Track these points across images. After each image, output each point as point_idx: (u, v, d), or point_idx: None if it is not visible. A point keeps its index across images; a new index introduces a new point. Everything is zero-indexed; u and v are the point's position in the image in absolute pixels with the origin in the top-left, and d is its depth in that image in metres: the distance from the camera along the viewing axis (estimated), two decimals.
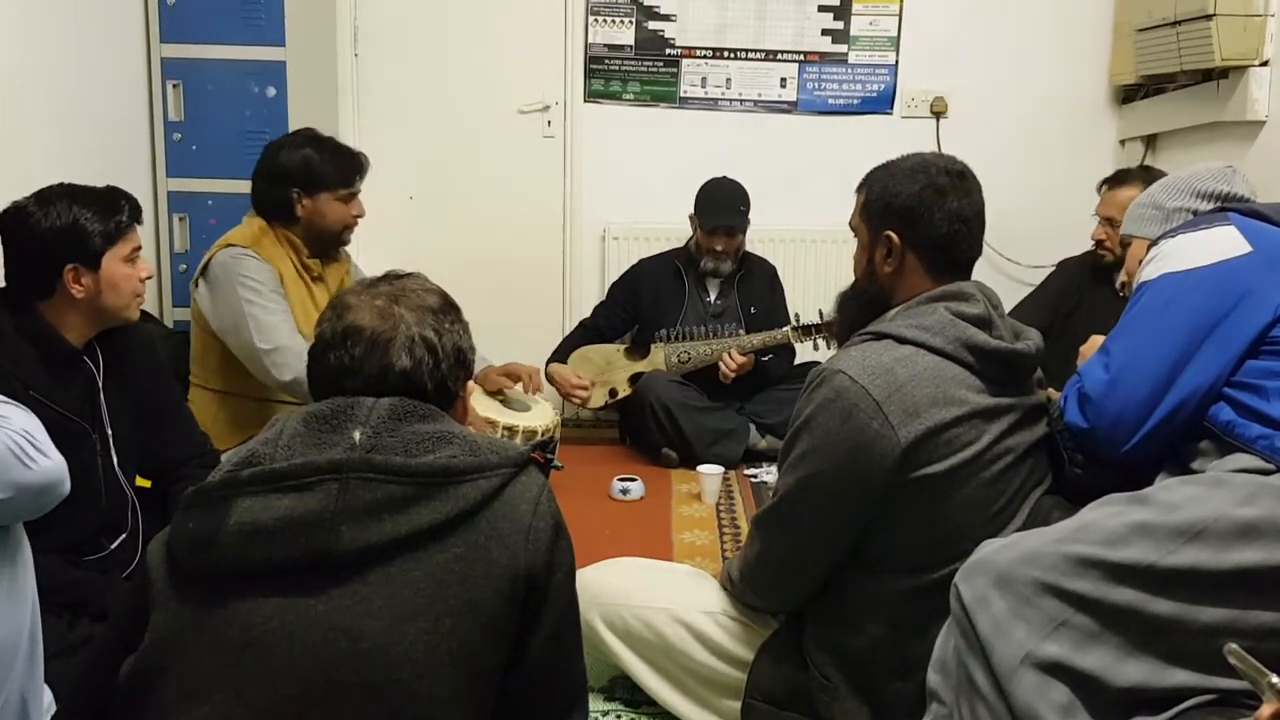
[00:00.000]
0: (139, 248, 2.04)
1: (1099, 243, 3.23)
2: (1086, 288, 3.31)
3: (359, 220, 2.85)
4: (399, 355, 1.27)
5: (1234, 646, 1.10)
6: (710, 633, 1.85)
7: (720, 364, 3.55)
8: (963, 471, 1.57)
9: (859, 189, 1.77)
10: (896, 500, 1.58)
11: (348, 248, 2.93)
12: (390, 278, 1.36)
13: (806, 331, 3.50)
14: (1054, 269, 3.50)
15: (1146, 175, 3.18)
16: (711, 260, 3.69)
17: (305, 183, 2.71)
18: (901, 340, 1.61)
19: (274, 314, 2.61)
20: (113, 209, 1.97)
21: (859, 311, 1.75)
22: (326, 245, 2.83)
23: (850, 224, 1.79)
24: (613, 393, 3.71)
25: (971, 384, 1.60)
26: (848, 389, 1.57)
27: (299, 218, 2.74)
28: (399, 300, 1.30)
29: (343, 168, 2.76)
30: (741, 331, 3.63)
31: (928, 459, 1.55)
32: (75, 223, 1.92)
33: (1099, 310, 3.20)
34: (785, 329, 3.54)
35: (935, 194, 1.67)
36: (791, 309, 3.85)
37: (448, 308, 1.35)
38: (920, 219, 1.67)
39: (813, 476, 1.62)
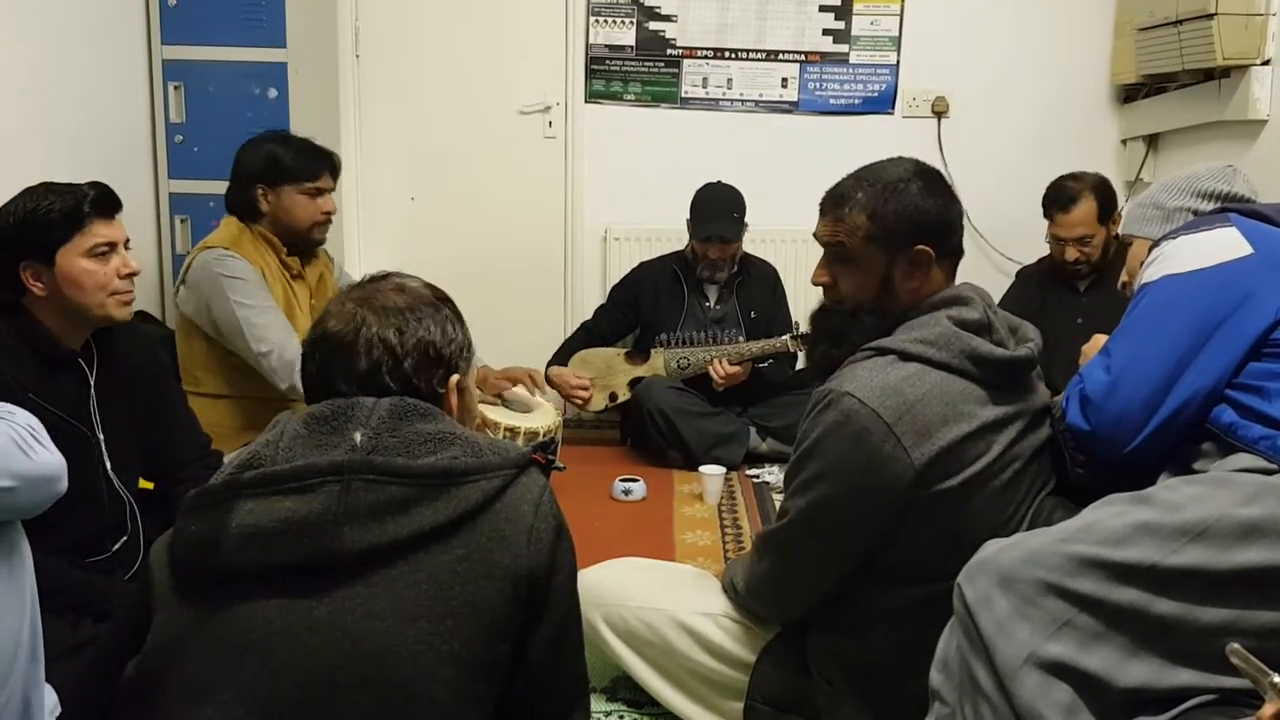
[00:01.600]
0: (111, 242, 1.95)
1: (1073, 261, 3.21)
2: (1047, 291, 3.32)
3: (329, 217, 2.82)
4: (359, 358, 1.26)
5: (1236, 646, 1.10)
6: (712, 634, 1.84)
7: (710, 371, 3.54)
8: (974, 483, 1.56)
9: (849, 212, 1.67)
10: (908, 516, 1.56)
11: (335, 245, 2.93)
12: (367, 280, 1.36)
13: (806, 339, 3.48)
14: (1013, 280, 3.51)
15: (1085, 182, 3.19)
16: (707, 269, 3.68)
17: (268, 176, 2.72)
18: (906, 356, 1.59)
19: (265, 314, 2.61)
20: (71, 200, 1.90)
21: (872, 331, 1.68)
22: (297, 243, 2.81)
23: (844, 250, 1.68)
24: (612, 396, 3.71)
25: (978, 397, 1.58)
26: (857, 412, 1.54)
27: (264, 212, 2.74)
28: (365, 303, 1.30)
29: (306, 161, 2.75)
30: (741, 338, 3.62)
31: (941, 476, 1.54)
32: (28, 217, 1.87)
33: (1063, 311, 3.21)
34: (784, 337, 3.52)
35: (950, 201, 1.68)
36: (794, 310, 3.85)
37: (419, 304, 1.31)
38: (951, 229, 1.68)
39: (823, 500, 1.60)
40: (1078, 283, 3.28)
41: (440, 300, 1.35)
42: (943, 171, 1.76)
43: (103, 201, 1.95)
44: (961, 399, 1.57)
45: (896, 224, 1.65)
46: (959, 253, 1.72)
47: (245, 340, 2.58)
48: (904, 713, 1.62)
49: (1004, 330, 1.68)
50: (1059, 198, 3.21)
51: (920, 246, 1.64)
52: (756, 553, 1.79)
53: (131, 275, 1.99)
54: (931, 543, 1.59)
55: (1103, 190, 3.18)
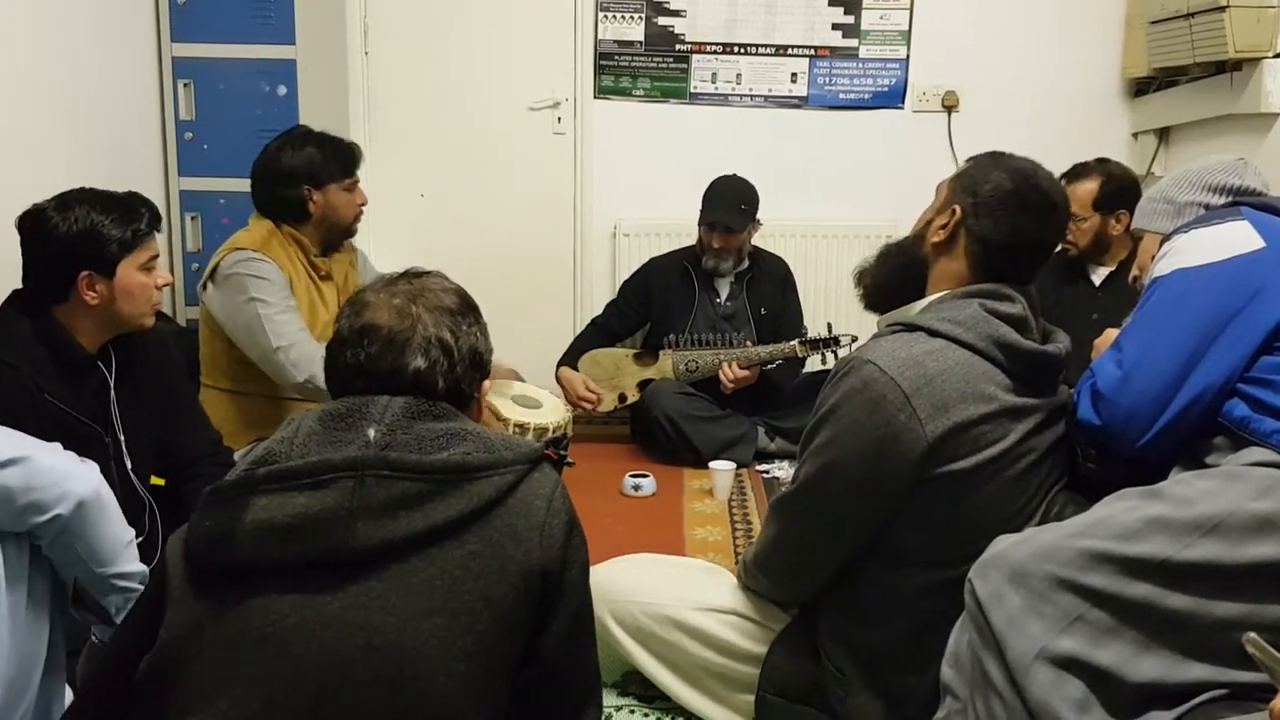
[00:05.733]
0: (157, 255, 2.04)
1: None
2: (1062, 285, 3.30)
3: (364, 208, 2.90)
4: (414, 355, 1.27)
5: (1252, 635, 1.09)
6: (721, 630, 1.84)
7: (720, 375, 3.54)
8: (988, 469, 1.56)
9: (969, 159, 1.77)
10: (919, 494, 1.56)
11: (355, 238, 2.96)
12: (410, 276, 1.37)
13: (814, 345, 3.48)
14: None
15: (1103, 169, 3.18)
16: (712, 258, 3.67)
17: (313, 178, 2.75)
18: (933, 333, 1.59)
19: (285, 313, 2.62)
20: (131, 217, 1.97)
21: (893, 270, 1.75)
22: (338, 237, 2.87)
23: (939, 183, 1.77)
24: (621, 398, 3.71)
25: (1001, 381, 1.58)
26: (876, 379, 1.55)
27: (311, 214, 2.77)
28: (417, 300, 1.31)
29: (343, 158, 2.81)
30: (749, 342, 3.61)
31: (953, 455, 1.54)
32: (92, 229, 1.92)
33: (1079, 306, 3.19)
34: (793, 342, 3.50)
35: (1018, 203, 1.66)
36: (805, 305, 3.84)
37: (466, 309, 1.35)
38: (991, 214, 1.66)
39: (835, 465, 1.60)
40: (1093, 276, 3.27)
41: (474, 305, 1.38)
42: (952, 166, 1.76)
43: (156, 216, 2.04)
44: (983, 380, 1.57)
45: (966, 178, 1.71)
46: (991, 249, 1.67)
47: (263, 336, 2.59)
48: (913, 703, 1.63)
49: (1038, 333, 1.68)
50: (1070, 170, 3.22)
51: (958, 205, 1.68)
52: (767, 521, 1.79)
53: (164, 286, 2.07)
54: (939, 525, 1.59)
55: (1115, 182, 3.16)
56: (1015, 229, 1.65)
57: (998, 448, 1.56)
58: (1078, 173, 3.20)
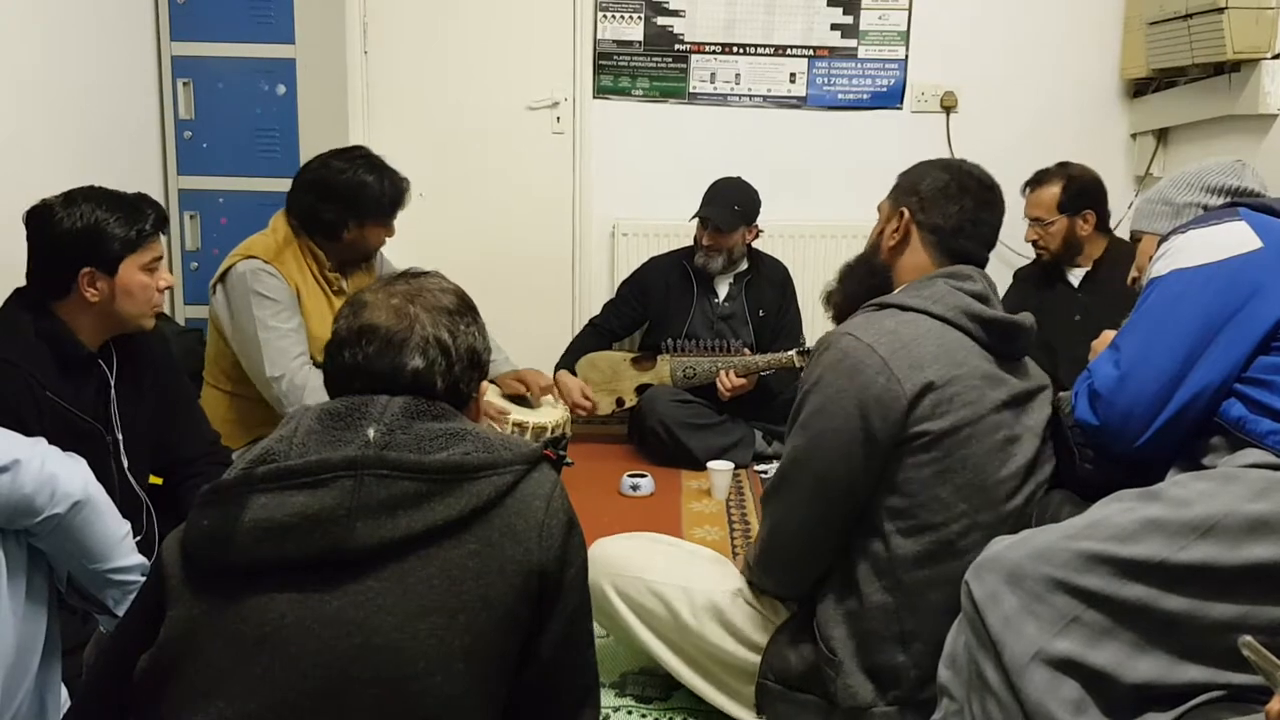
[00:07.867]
0: (160, 257, 2.03)
1: (1034, 243, 3.28)
2: (1044, 290, 3.32)
3: (389, 239, 2.89)
4: (412, 355, 1.27)
5: (1248, 638, 1.10)
6: (724, 618, 1.85)
7: (717, 383, 3.53)
8: (965, 430, 1.62)
9: (898, 176, 1.87)
10: (900, 458, 1.62)
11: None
12: (408, 276, 1.37)
13: (811, 356, 3.47)
14: (1010, 282, 3.50)
15: (1064, 171, 3.22)
16: (702, 255, 3.66)
17: (359, 211, 2.71)
18: (904, 308, 1.69)
19: (286, 337, 2.61)
20: (136, 216, 1.97)
21: (859, 282, 1.85)
22: (355, 261, 2.85)
23: (879, 204, 1.88)
24: (619, 402, 3.70)
25: (972, 349, 1.67)
26: (855, 348, 1.64)
27: (342, 239, 2.74)
28: (415, 300, 1.31)
29: (395, 200, 2.77)
30: (747, 349, 3.60)
31: (930, 413, 1.60)
32: (96, 226, 1.92)
33: (1060, 308, 3.21)
34: (791, 353, 3.48)
35: (958, 189, 1.78)
36: (804, 307, 3.84)
37: (464, 309, 1.35)
38: (934, 205, 1.78)
39: (821, 435, 1.65)
40: (1070, 278, 3.28)
41: (472, 305, 1.38)
42: None
43: (162, 218, 2.04)
44: (956, 346, 1.66)
45: (904, 184, 1.84)
46: (944, 234, 1.78)
47: (259, 361, 2.59)
48: (902, 684, 1.65)
49: (1001, 310, 1.75)
50: (1034, 176, 3.28)
51: (904, 208, 1.80)
52: (761, 516, 1.81)
53: (166, 288, 2.06)
54: (919, 491, 1.63)
55: (1077, 183, 3.20)
56: (961, 211, 1.78)
57: (972, 409, 1.63)
58: (1039, 179, 3.26)
